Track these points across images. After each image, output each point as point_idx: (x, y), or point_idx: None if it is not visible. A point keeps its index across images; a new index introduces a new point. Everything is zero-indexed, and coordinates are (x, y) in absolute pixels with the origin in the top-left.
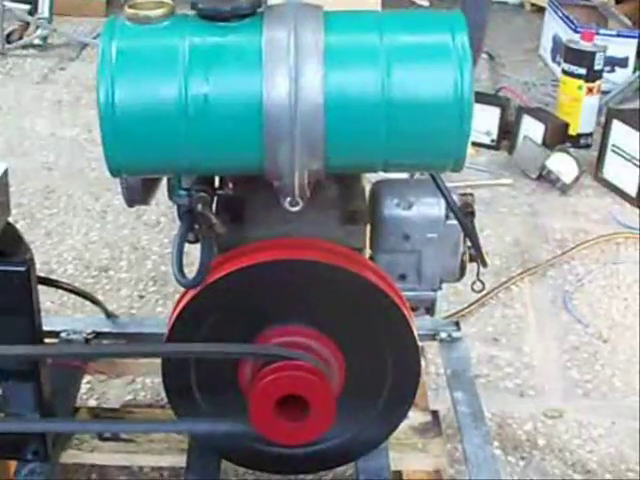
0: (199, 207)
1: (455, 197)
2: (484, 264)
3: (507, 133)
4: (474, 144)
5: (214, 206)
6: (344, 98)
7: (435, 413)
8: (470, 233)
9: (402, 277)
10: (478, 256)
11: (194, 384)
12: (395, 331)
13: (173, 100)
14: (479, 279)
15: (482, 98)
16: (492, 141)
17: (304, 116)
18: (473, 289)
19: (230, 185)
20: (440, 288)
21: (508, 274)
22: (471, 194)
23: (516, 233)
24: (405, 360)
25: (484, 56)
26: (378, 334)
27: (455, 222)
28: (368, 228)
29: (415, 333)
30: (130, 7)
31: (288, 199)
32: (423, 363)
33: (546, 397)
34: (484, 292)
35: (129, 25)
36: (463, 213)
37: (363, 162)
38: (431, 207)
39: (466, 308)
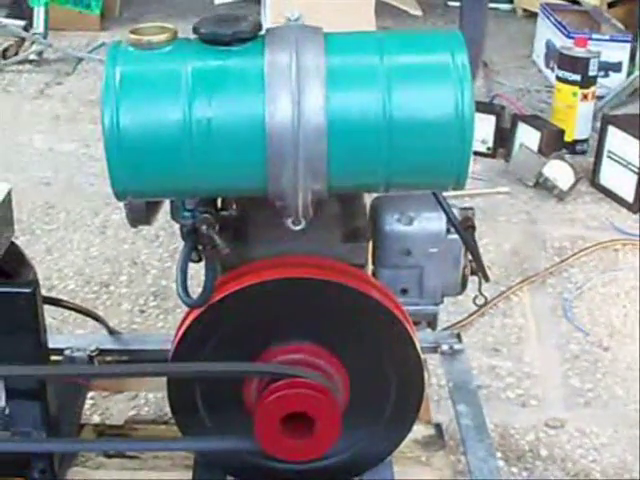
0: (203, 228)
1: (455, 211)
2: (486, 279)
3: (503, 141)
4: None
5: (217, 226)
6: (346, 120)
7: (438, 426)
8: (471, 248)
9: (404, 292)
10: (480, 270)
11: (199, 401)
12: (399, 347)
13: (177, 124)
14: (481, 293)
15: (477, 106)
16: (488, 149)
17: (306, 138)
18: (475, 303)
19: (233, 205)
20: (442, 302)
21: (507, 283)
22: (471, 208)
23: (514, 242)
24: (409, 375)
25: None
26: (382, 350)
27: (456, 236)
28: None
29: (418, 348)
30: (133, 33)
31: (290, 218)
32: (425, 376)
33: (548, 407)
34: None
35: (132, 50)
36: (464, 227)
37: (365, 182)
38: (432, 222)
39: (466, 319)
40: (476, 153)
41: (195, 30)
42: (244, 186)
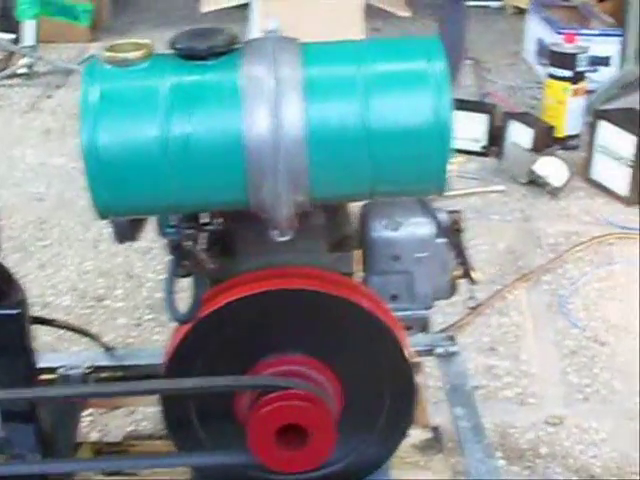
0: (187, 244)
1: (443, 215)
2: (473, 282)
3: (496, 139)
4: (463, 152)
5: (205, 240)
6: (325, 131)
7: (436, 429)
8: (459, 251)
9: (394, 297)
10: (467, 274)
11: (193, 416)
12: (389, 355)
13: (156, 141)
14: (472, 295)
15: (469, 105)
16: (482, 148)
17: (286, 150)
18: (467, 305)
19: (218, 219)
20: (433, 306)
21: (503, 282)
22: (459, 211)
23: (509, 240)
24: (400, 383)
25: (469, 61)
26: (372, 358)
27: (444, 240)
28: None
29: (408, 356)
30: (108, 50)
31: (276, 230)
32: (421, 379)
33: (547, 404)
34: (479, 302)
35: (108, 68)
36: (452, 230)
37: (347, 192)
38: (419, 227)
39: (462, 319)
40: (469, 152)
41: (171, 45)
42: (226, 200)
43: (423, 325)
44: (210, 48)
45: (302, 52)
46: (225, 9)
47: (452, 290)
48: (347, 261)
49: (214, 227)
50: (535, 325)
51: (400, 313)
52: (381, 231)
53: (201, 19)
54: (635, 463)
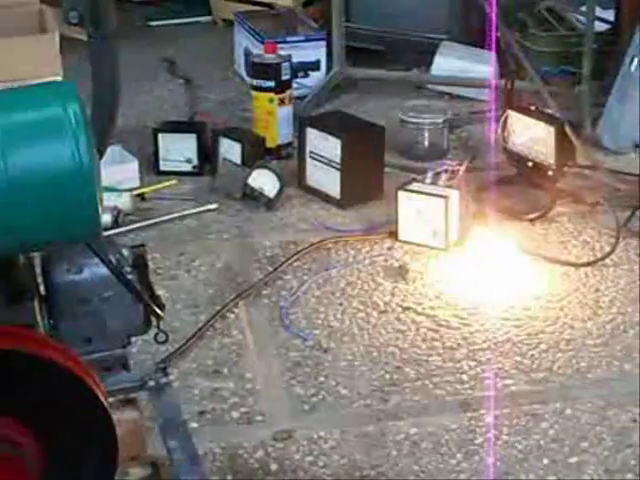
0: None
1: (126, 251)
2: (157, 317)
3: (208, 157)
4: (176, 174)
5: None
6: None
7: (155, 464)
8: (131, 288)
9: (88, 340)
10: (149, 310)
11: None
12: (80, 402)
13: None
14: (160, 329)
15: (178, 127)
16: (194, 168)
17: None
18: (156, 340)
19: None
20: (129, 343)
21: (222, 302)
22: (142, 245)
23: (226, 258)
24: (98, 427)
25: (180, 81)
26: (64, 409)
27: (129, 277)
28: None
29: (103, 401)
30: None
31: None
32: (137, 415)
33: (274, 420)
34: (201, 324)
35: None
36: (137, 266)
37: None
38: (101, 267)
39: (183, 345)
40: (183, 173)
41: None
42: None
43: (123, 363)
44: None
45: None
46: None
47: (147, 325)
48: (27, 312)
49: None
50: (257, 341)
51: (97, 355)
52: (64, 275)
53: None
54: (364, 467)
